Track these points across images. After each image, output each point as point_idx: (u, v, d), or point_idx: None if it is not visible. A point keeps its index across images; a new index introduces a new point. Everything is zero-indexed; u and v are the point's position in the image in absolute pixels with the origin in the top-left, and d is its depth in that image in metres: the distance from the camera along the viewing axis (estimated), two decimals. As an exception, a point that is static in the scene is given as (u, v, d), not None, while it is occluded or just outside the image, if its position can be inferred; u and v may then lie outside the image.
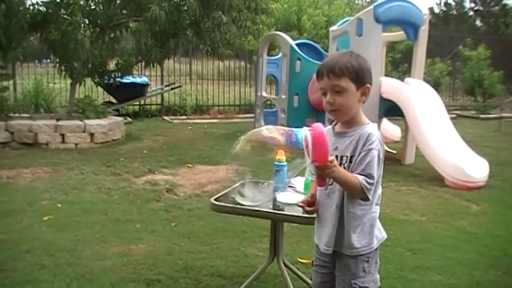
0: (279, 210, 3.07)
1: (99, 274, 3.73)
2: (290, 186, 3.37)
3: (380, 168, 2.26)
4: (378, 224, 2.40)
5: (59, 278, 3.66)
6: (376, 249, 2.38)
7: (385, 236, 2.43)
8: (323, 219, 2.42)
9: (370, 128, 2.28)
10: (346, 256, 2.35)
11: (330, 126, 2.43)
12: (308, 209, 2.48)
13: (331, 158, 2.18)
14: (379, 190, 2.36)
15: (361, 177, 2.20)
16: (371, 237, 2.34)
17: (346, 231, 2.32)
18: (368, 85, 2.28)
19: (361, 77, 2.27)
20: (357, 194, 2.24)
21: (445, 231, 4.93)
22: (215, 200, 3.18)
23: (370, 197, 2.23)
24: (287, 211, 3.05)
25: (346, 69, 2.25)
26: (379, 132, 2.28)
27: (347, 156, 2.28)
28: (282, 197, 3.17)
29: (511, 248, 4.52)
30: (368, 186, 2.19)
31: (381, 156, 2.25)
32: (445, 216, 5.42)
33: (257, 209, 3.09)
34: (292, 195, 3.21)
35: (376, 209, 2.37)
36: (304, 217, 2.86)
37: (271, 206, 3.14)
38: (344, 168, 2.27)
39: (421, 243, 4.54)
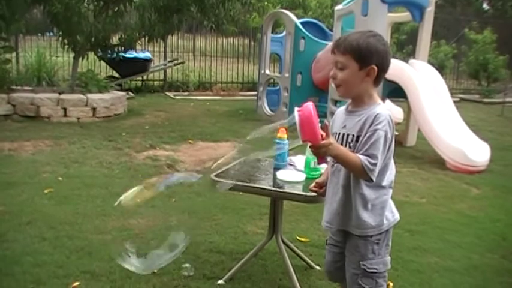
0: (279, 187, 3.07)
1: (98, 247, 3.75)
2: (291, 164, 3.38)
3: (387, 149, 2.25)
4: (390, 206, 2.40)
5: (58, 250, 3.68)
6: (387, 231, 2.38)
7: (398, 218, 2.43)
8: (329, 196, 2.44)
9: (379, 108, 2.27)
10: (356, 236, 2.36)
11: (344, 106, 2.44)
12: (320, 191, 2.58)
13: (329, 138, 2.18)
14: (393, 172, 2.37)
15: (363, 157, 2.19)
16: (381, 219, 2.34)
17: (354, 211, 2.32)
18: (373, 66, 2.25)
19: (364, 57, 2.25)
20: (359, 174, 2.24)
21: (445, 214, 4.94)
22: (215, 176, 3.17)
23: (373, 178, 2.21)
24: (287, 189, 3.05)
25: (350, 47, 2.26)
26: (388, 113, 2.26)
27: (353, 135, 2.28)
28: (283, 174, 3.17)
29: (509, 232, 4.53)
30: (370, 166, 2.18)
31: (389, 137, 2.23)
32: (444, 199, 5.43)
33: (258, 186, 3.09)
34: (293, 173, 3.21)
35: (388, 192, 2.36)
36: (304, 195, 2.87)
37: (271, 184, 3.14)
38: (349, 147, 2.27)
39: (420, 225, 4.56)
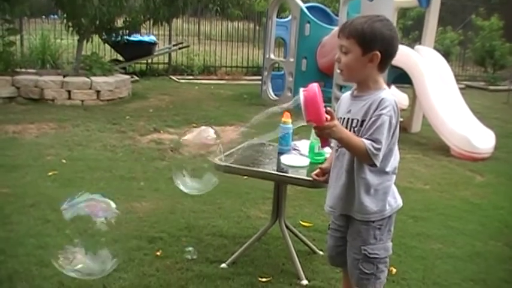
0: (283, 172, 3.06)
1: (102, 230, 3.76)
2: (295, 149, 3.37)
3: (391, 135, 2.23)
4: (393, 191, 2.39)
5: (61, 233, 3.64)
6: (389, 217, 2.37)
7: (401, 204, 2.42)
8: (332, 180, 2.44)
9: (384, 93, 2.25)
10: (358, 221, 2.36)
11: (349, 92, 2.43)
12: (321, 179, 2.61)
13: (334, 120, 2.18)
14: (397, 158, 2.35)
15: (367, 142, 2.18)
16: (384, 204, 2.33)
17: (356, 196, 2.31)
18: (377, 52, 2.22)
19: (368, 42, 2.22)
20: (363, 159, 2.23)
21: (448, 201, 4.94)
22: (219, 160, 3.17)
23: (377, 163, 2.20)
24: (291, 173, 3.04)
25: (354, 31, 2.24)
26: (394, 99, 2.24)
27: (358, 120, 2.26)
28: (287, 159, 3.16)
29: (513, 220, 4.53)
30: (374, 151, 2.17)
31: (393, 122, 2.21)
32: (448, 185, 5.42)
33: (261, 170, 3.09)
34: (297, 157, 3.20)
35: (392, 178, 2.35)
36: (308, 180, 2.86)
37: (275, 168, 3.13)
38: (354, 131, 2.26)
39: (424, 212, 4.55)
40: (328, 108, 2.21)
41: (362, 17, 2.32)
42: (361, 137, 2.22)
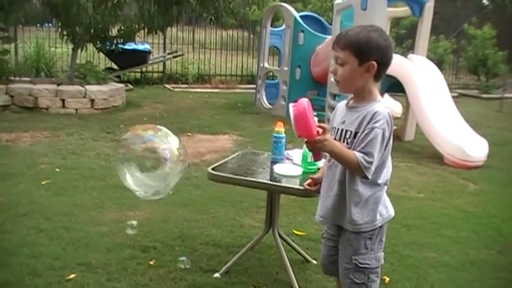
0: (276, 181, 3.07)
1: (95, 239, 3.76)
2: (288, 158, 3.37)
3: (384, 148, 2.24)
4: (385, 201, 2.40)
5: (55, 242, 3.68)
6: (381, 227, 2.38)
7: (392, 214, 2.43)
8: (324, 190, 2.45)
9: (378, 106, 2.26)
10: (349, 231, 2.36)
11: (345, 101, 2.44)
12: (313, 188, 2.64)
13: (325, 134, 2.21)
14: (389, 170, 2.36)
15: (359, 155, 2.19)
16: (374, 215, 2.34)
17: (348, 207, 2.32)
18: (373, 62, 2.23)
19: (364, 53, 2.23)
20: (355, 171, 2.25)
21: (442, 209, 4.95)
22: (212, 169, 3.17)
23: (369, 176, 2.22)
24: (284, 183, 3.05)
25: (349, 42, 2.25)
26: (387, 111, 2.25)
27: (351, 131, 2.28)
28: (280, 168, 3.17)
29: (506, 228, 4.54)
30: (366, 164, 2.19)
31: (386, 135, 2.23)
32: (442, 194, 5.44)
33: (254, 179, 3.09)
34: (290, 167, 3.21)
35: (383, 189, 2.36)
36: (301, 189, 2.86)
37: (268, 177, 3.14)
38: (347, 143, 2.28)
39: (417, 220, 4.56)
40: (323, 124, 2.24)
41: (356, 27, 2.34)
42: (354, 148, 2.23)
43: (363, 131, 2.23)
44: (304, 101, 2.22)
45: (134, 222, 3.46)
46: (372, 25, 2.35)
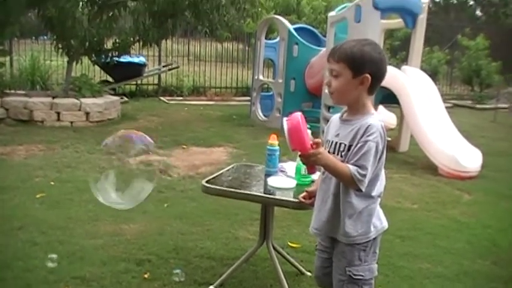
0: (270, 194, 3.08)
1: (90, 252, 3.76)
2: (282, 171, 3.39)
3: (378, 160, 2.27)
4: (379, 213, 2.41)
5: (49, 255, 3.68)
6: (374, 238, 2.39)
7: (385, 226, 2.44)
8: (318, 203, 2.47)
9: (371, 119, 2.28)
10: (343, 243, 2.38)
11: (339, 114, 2.46)
12: (308, 201, 2.66)
13: (319, 148, 2.22)
14: (383, 182, 2.38)
15: (353, 168, 2.22)
16: (368, 227, 2.35)
17: (342, 219, 2.34)
18: (367, 75, 2.26)
19: (358, 65, 2.26)
20: (348, 184, 2.27)
21: (436, 220, 4.96)
22: (207, 182, 3.19)
23: (363, 189, 2.24)
24: (278, 195, 3.06)
25: (344, 55, 2.28)
26: (381, 124, 2.27)
27: (345, 144, 2.30)
28: (274, 181, 3.19)
29: (500, 238, 4.55)
30: (359, 177, 2.21)
31: (380, 148, 2.25)
32: (436, 204, 5.45)
33: (248, 192, 3.11)
34: (284, 179, 3.23)
35: (377, 201, 2.38)
36: (294, 202, 2.88)
37: (262, 190, 3.15)
38: (341, 156, 2.30)
39: (411, 231, 4.57)
40: (317, 140, 2.25)
41: (351, 40, 2.37)
42: (348, 161, 2.26)
43: (357, 144, 2.25)
44: (298, 115, 2.24)
45: (54, 256, 3.45)
46: (366, 39, 2.38)
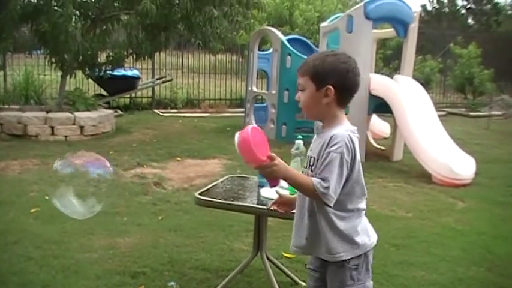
0: (263, 205, 3.09)
1: (85, 266, 3.75)
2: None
3: (348, 172, 2.17)
4: (366, 228, 2.32)
5: (45, 270, 3.68)
6: (365, 255, 2.29)
7: (375, 242, 2.33)
8: (296, 219, 2.38)
9: (337, 129, 2.21)
10: (332, 263, 2.29)
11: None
12: (280, 210, 2.58)
13: (275, 160, 2.15)
14: (362, 196, 2.29)
15: (316, 180, 2.13)
16: (352, 244, 2.25)
17: (322, 237, 2.25)
18: (329, 86, 2.20)
19: (320, 78, 2.21)
20: (314, 198, 2.19)
21: (430, 228, 4.98)
22: (200, 194, 3.20)
23: (329, 203, 2.15)
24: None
25: (307, 68, 2.26)
26: (347, 134, 2.18)
27: (314, 158, 2.24)
28: (266, 192, 3.20)
29: (495, 245, 4.57)
30: (322, 190, 2.12)
31: (346, 158, 2.15)
32: (430, 212, 5.47)
33: (241, 204, 3.12)
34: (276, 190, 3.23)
35: (359, 216, 2.29)
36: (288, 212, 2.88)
37: (255, 201, 3.17)
38: (311, 170, 2.25)
39: (406, 239, 4.59)
40: (271, 154, 2.16)
41: (316, 54, 2.36)
42: (316, 175, 2.20)
43: (322, 156, 2.19)
44: (249, 128, 2.19)
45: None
46: (333, 50, 2.38)
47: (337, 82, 2.21)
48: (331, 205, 2.16)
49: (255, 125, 2.25)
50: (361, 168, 2.24)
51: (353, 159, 2.18)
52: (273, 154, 2.16)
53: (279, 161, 2.16)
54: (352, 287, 2.29)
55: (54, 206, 2.88)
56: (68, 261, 3.84)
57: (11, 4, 8.23)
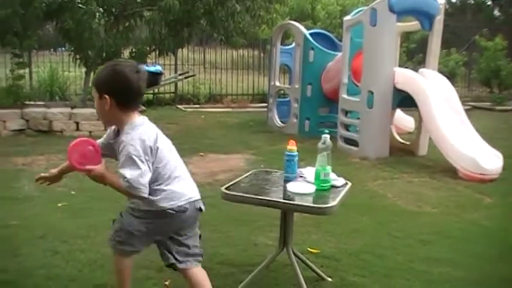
0: (289, 200, 3.08)
1: (110, 260, 3.77)
2: (301, 176, 3.39)
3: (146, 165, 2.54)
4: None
5: (71, 264, 3.71)
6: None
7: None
8: None
9: (125, 135, 2.57)
10: None
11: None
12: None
13: (90, 166, 2.57)
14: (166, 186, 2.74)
15: (120, 180, 2.53)
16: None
17: None
18: (105, 95, 2.51)
19: (98, 88, 2.56)
20: (132, 196, 2.62)
21: (456, 224, 4.92)
22: (226, 188, 3.20)
23: (143, 194, 2.56)
24: (297, 201, 3.06)
25: (93, 80, 2.68)
26: (133, 135, 2.55)
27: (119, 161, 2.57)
28: (293, 186, 3.18)
29: (522, 242, 4.50)
30: (127, 184, 2.51)
31: (134, 153, 2.52)
32: (456, 208, 5.40)
33: (268, 198, 3.11)
34: (303, 185, 3.22)
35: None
36: (314, 207, 2.88)
37: (281, 196, 3.15)
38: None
39: (432, 235, 4.53)
40: (88, 167, 2.57)
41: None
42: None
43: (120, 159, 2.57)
44: (76, 140, 2.62)
45: None
46: (116, 61, 2.70)
47: (109, 90, 2.52)
48: (146, 195, 2.58)
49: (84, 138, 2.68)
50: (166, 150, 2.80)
51: (144, 152, 2.57)
52: (89, 168, 2.55)
53: (100, 167, 2.58)
54: None
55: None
56: (94, 255, 3.87)
57: (35, 2, 8.32)
